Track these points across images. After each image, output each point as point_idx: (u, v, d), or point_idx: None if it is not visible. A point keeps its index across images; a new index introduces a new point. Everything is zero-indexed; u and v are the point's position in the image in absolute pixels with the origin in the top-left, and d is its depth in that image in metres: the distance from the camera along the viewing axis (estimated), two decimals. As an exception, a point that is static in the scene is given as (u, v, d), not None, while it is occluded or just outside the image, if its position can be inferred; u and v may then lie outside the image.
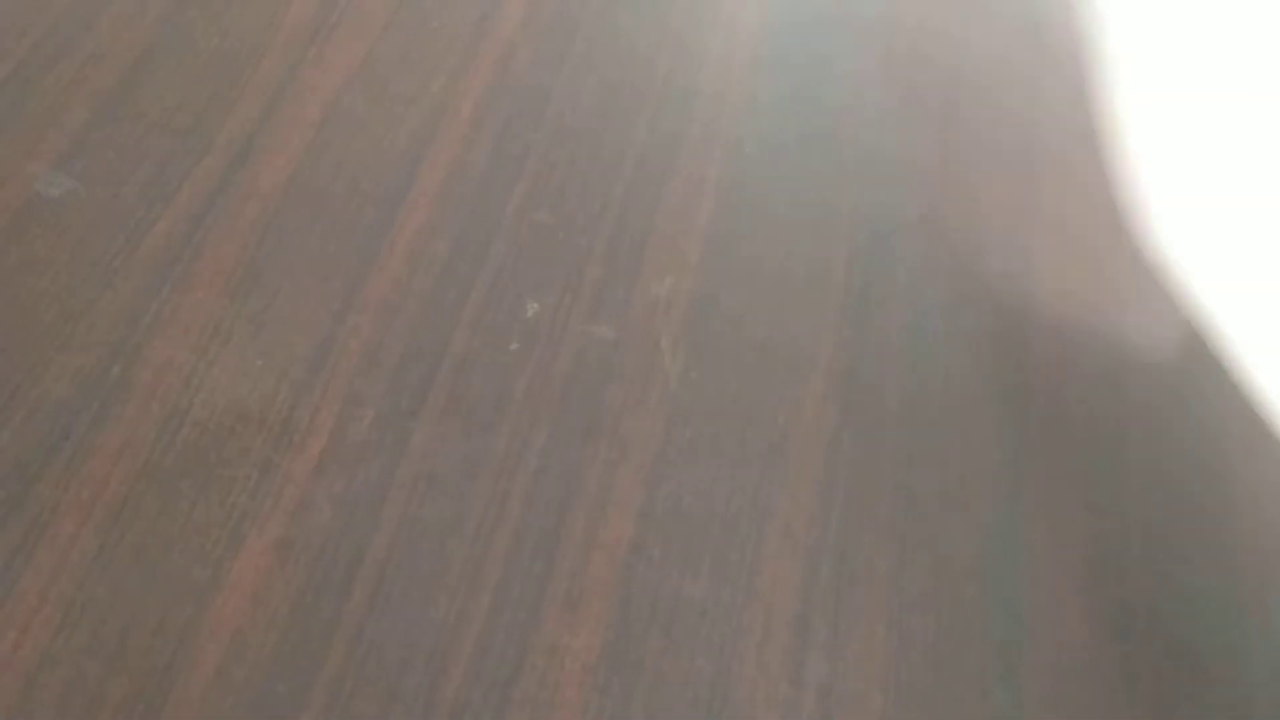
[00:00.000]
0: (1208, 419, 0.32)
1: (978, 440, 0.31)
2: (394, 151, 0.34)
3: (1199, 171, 0.36)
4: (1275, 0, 0.37)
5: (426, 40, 0.37)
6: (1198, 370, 0.33)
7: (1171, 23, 0.36)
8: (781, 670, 0.26)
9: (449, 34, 0.37)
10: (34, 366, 0.29)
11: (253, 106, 0.35)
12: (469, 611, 0.27)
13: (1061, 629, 0.27)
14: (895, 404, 0.30)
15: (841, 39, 0.41)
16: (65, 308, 0.30)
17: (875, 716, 0.26)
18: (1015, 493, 0.29)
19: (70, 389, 0.29)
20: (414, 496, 0.28)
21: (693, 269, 0.32)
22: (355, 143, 0.34)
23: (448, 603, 0.27)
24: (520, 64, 0.37)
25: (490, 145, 0.33)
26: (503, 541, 0.28)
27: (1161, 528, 0.29)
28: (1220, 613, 0.27)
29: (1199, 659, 0.26)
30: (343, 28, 0.37)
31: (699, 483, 0.29)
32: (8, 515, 0.27)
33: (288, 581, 0.27)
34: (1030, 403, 0.32)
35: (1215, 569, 0.28)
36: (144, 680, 0.25)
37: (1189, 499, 0.30)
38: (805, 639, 0.27)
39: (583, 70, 0.35)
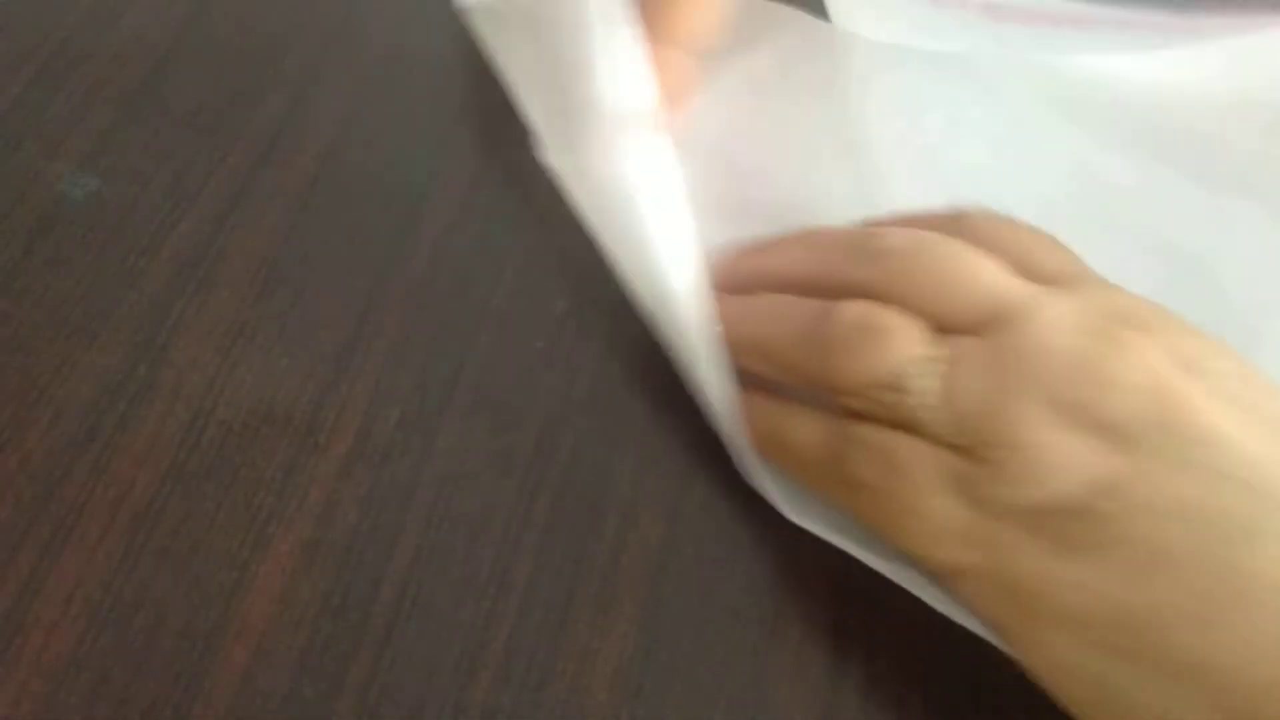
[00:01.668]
0: None
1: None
2: (418, 148, 0.34)
3: None
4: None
5: (451, 37, 0.36)
6: None
7: None
8: (820, 672, 0.26)
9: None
10: (60, 367, 0.29)
11: (276, 104, 0.35)
12: (498, 613, 0.26)
13: None
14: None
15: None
16: (90, 308, 0.30)
17: (916, 717, 0.25)
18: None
19: (96, 390, 0.29)
20: (441, 497, 0.28)
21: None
22: (379, 140, 0.34)
23: (476, 604, 0.26)
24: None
25: (515, 140, 0.33)
26: (532, 541, 0.27)
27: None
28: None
29: None
30: (367, 26, 0.37)
31: (732, 482, 0.28)
32: (35, 517, 0.27)
33: (314, 584, 0.26)
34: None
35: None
36: (171, 683, 0.25)
37: None
38: (842, 641, 0.26)
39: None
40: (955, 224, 0.25)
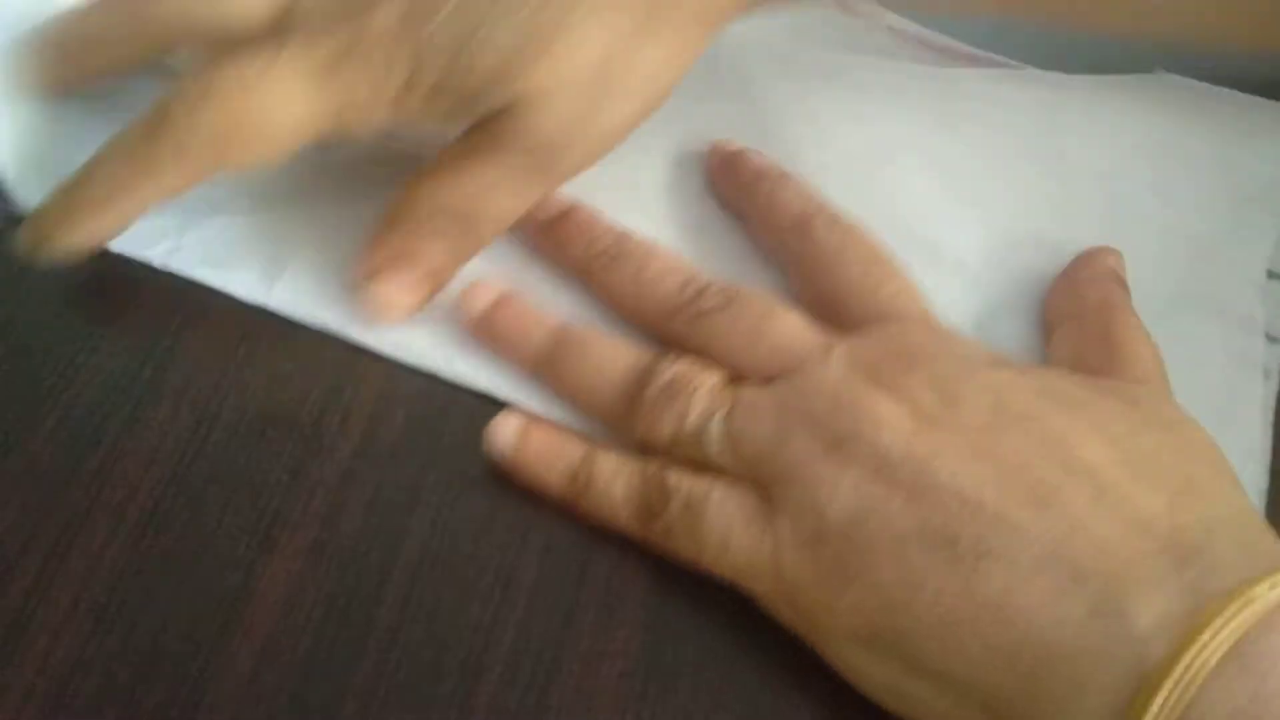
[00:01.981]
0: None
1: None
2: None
3: None
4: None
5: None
6: None
7: None
8: (827, 674, 0.25)
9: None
10: (65, 370, 0.29)
11: (281, 108, 0.34)
12: (503, 616, 0.26)
13: None
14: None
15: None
16: (97, 310, 0.30)
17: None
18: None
19: (101, 393, 0.29)
20: (446, 499, 0.28)
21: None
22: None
23: (481, 607, 0.26)
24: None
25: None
26: (537, 543, 0.27)
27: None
28: None
29: None
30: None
31: (737, 483, 0.28)
32: (41, 521, 0.27)
33: (319, 586, 0.26)
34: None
35: None
36: (176, 686, 0.25)
37: None
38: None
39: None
40: (798, 240, 0.29)
